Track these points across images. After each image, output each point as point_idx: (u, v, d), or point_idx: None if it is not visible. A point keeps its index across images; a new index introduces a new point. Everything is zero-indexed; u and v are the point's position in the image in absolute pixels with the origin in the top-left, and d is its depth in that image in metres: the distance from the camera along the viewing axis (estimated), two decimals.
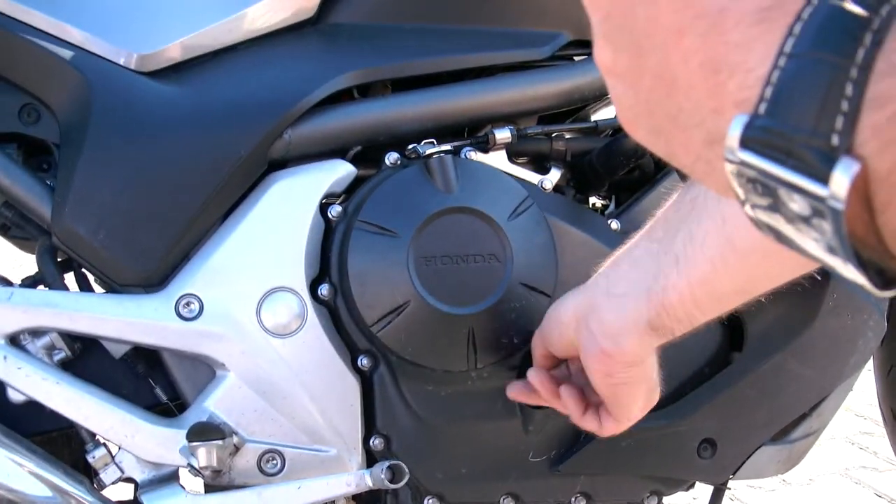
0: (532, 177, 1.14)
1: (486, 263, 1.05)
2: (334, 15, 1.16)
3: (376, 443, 1.08)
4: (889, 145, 0.35)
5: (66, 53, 1.08)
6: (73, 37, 1.09)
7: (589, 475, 1.13)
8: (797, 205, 0.38)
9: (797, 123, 0.37)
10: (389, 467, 1.04)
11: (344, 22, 1.16)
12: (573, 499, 1.13)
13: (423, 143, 1.11)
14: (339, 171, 1.10)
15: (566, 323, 0.94)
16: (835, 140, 0.36)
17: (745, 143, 0.38)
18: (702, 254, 0.79)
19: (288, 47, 1.13)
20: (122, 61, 1.08)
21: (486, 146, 1.12)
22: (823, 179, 0.36)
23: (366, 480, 1.04)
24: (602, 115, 1.25)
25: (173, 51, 1.10)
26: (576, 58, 1.20)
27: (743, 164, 0.39)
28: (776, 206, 0.39)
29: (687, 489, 1.19)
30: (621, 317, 0.87)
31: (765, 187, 0.39)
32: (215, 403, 1.05)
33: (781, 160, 0.38)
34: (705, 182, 0.45)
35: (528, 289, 1.06)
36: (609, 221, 1.15)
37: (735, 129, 0.39)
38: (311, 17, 1.15)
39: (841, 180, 0.36)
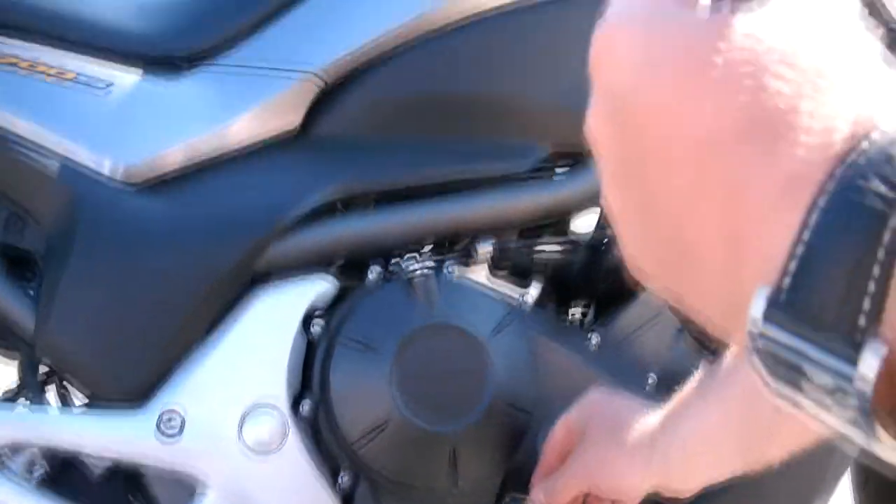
0: (513, 290, 1.15)
1: (468, 381, 1.06)
2: (318, 127, 1.17)
3: None
4: None
5: (52, 164, 1.08)
6: (59, 146, 1.09)
7: None
8: (820, 379, 0.37)
9: (823, 301, 0.36)
10: None
11: (327, 134, 1.17)
12: None
13: (406, 257, 1.12)
14: (322, 286, 1.10)
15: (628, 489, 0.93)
16: (862, 321, 0.35)
17: (769, 318, 0.37)
18: None
19: (273, 160, 1.14)
20: (108, 172, 1.09)
21: (468, 260, 1.13)
22: (851, 360, 0.35)
23: None
24: (583, 221, 1.27)
25: (159, 162, 1.11)
26: (558, 169, 1.21)
27: (765, 337, 0.37)
28: (797, 379, 0.38)
29: None
30: None
31: (787, 361, 0.37)
32: None
33: (807, 337, 0.37)
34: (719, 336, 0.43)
35: (510, 406, 1.06)
36: (589, 336, 1.16)
37: (758, 303, 0.38)
38: (295, 129, 1.16)
39: (870, 362, 0.35)
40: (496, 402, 1.06)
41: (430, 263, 1.12)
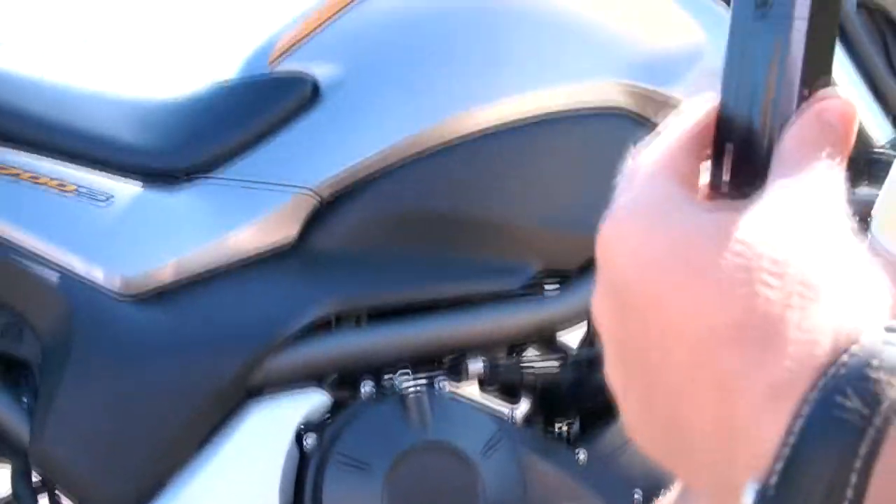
0: (503, 406, 1.18)
1: (460, 500, 1.07)
2: (313, 242, 1.20)
3: None
4: None
5: (51, 274, 1.10)
6: (58, 256, 1.12)
7: None
8: None
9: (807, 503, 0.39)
10: None
11: (322, 249, 1.20)
12: None
13: (398, 373, 1.14)
14: (315, 401, 1.12)
15: None
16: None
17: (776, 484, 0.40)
18: None
19: (268, 274, 1.17)
20: (105, 283, 1.11)
21: (459, 377, 1.16)
22: None
23: None
24: (572, 335, 1.30)
25: (156, 274, 1.13)
26: (547, 286, 1.24)
27: None
28: None
29: None
30: None
31: None
32: None
33: None
34: None
35: None
36: (577, 452, 1.18)
37: (749, 494, 0.41)
38: (291, 243, 1.19)
39: None
40: None
41: (422, 380, 1.14)
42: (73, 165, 1.16)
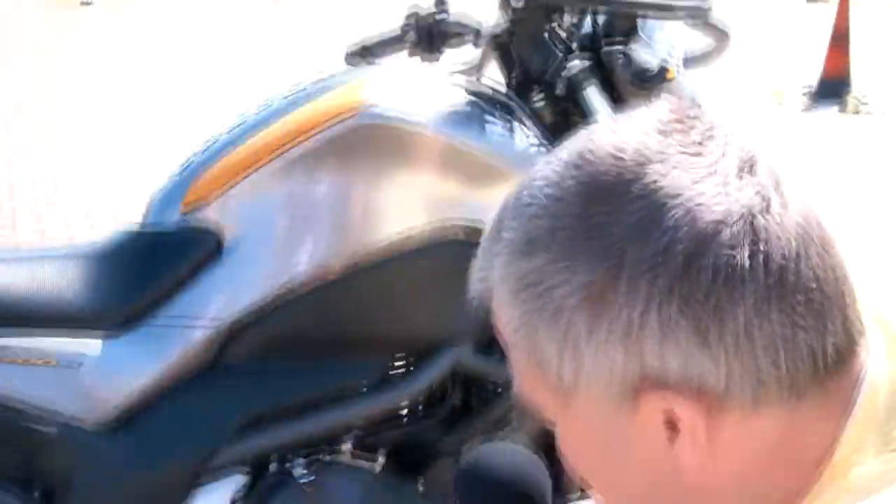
0: (368, 463, 1.72)
1: None
2: (226, 363, 1.66)
3: None
4: None
5: (46, 423, 1.57)
6: (49, 408, 1.57)
7: None
8: None
9: None
10: None
11: (233, 368, 1.67)
12: None
13: (296, 456, 1.66)
14: (238, 482, 1.64)
15: None
16: None
17: None
18: None
19: (198, 393, 1.64)
20: (82, 423, 1.58)
21: (337, 452, 1.69)
22: None
23: None
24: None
25: (116, 409, 1.60)
26: (392, 373, 1.75)
27: None
28: None
29: None
30: None
31: None
32: None
33: None
34: None
35: None
36: (416, 485, 1.75)
37: None
38: (209, 365, 1.66)
39: None
40: None
41: (312, 458, 1.67)
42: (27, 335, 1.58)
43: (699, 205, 0.70)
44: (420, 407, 1.78)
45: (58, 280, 1.63)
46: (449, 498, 1.76)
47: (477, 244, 1.71)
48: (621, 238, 0.70)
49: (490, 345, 1.77)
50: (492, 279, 0.77)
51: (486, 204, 1.71)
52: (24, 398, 1.56)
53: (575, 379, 0.74)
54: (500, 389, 1.78)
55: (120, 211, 4.62)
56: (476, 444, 1.75)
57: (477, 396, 1.80)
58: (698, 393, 0.72)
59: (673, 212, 0.70)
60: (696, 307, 0.69)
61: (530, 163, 1.75)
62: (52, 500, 1.61)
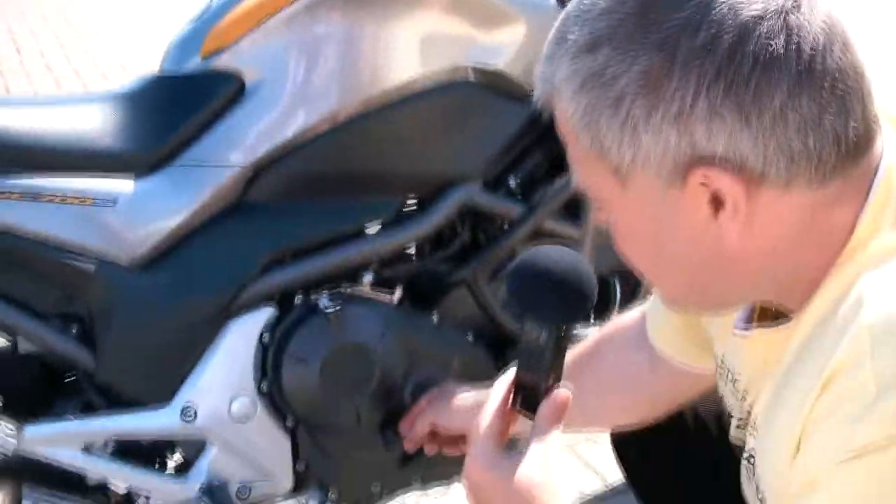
0: (386, 297, 1.83)
1: (365, 373, 1.76)
2: (251, 203, 1.75)
3: (300, 469, 1.82)
4: None
5: (85, 261, 1.64)
6: (87, 248, 1.65)
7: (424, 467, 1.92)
8: None
9: None
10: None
11: (257, 208, 1.75)
12: (415, 479, 1.93)
13: (320, 290, 1.76)
14: (267, 315, 1.74)
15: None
16: None
17: None
18: None
19: (226, 232, 1.73)
20: (119, 261, 1.66)
21: (359, 287, 1.80)
22: None
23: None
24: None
25: (151, 248, 1.68)
26: (405, 211, 1.84)
27: None
28: None
29: None
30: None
31: None
32: (207, 464, 1.75)
33: None
34: None
35: (390, 380, 1.78)
36: (431, 317, 1.86)
37: None
38: (234, 204, 1.74)
39: None
40: (378, 382, 1.77)
41: (335, 293, 1.77)
42: (85, 178, 1.65)
43: (740, 2, 0.79)
44: (431, 243, 1.88)
45: (86, 125, 1.69)
46: (497, 294, 1.87)
47: (486, 86, 1.81)
48: (675, 31, 0.79)
49: (497, 183, 1.87)
50: (556, 80, 0.86)
51: (495, 46, 1.79)
52: (62, 236, 1.63)
53: (633, 161, 0.84)
54: (506, 225, 1.88)
55: (128, 61, 4.56)
56: (485, 278, 1.87)
57: (485, 233, 1.90)
58: (740, 170, 0.82)
59: (719, 8, 0.79)
60: (739, 91, 0.79)
61: (540, 5, 1.85)
62: (89, 335, 1.70)
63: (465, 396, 1.68)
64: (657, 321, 1.43)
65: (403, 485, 1.95)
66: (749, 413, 1.13)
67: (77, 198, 1.64)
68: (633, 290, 2.06)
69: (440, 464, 1.92)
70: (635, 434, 1.55)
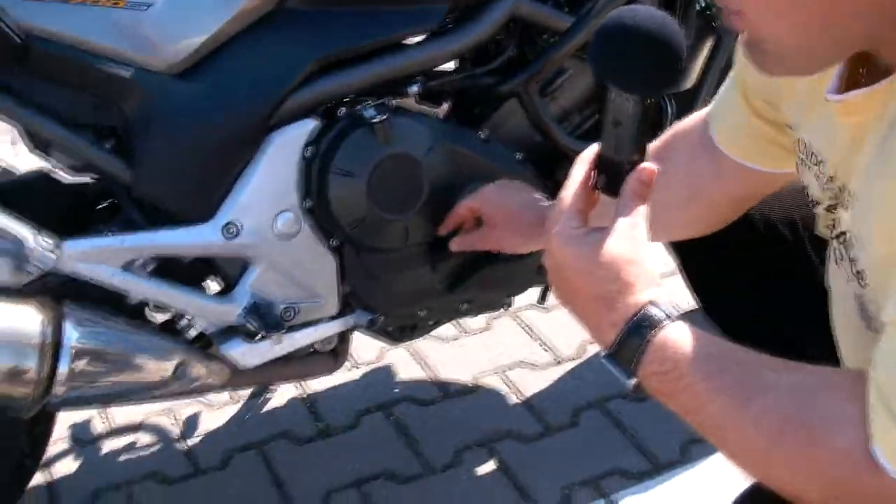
0: (433, 111, 1.74)
1: (414, 188, 1.69)
2: (291, 9, 1.65)
3: (346, 290, 1.76)
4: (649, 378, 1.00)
5: (120, 66, 1.54)
6: (121, 53, 1.55)
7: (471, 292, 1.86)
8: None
9: (625, 358, 1.00)
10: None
11: (300, 13, 1.65)
12: (462, 305, 1.87)
13: (364, 103, 1.67)
14: (311, 126, 1.66)
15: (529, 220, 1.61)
16: (633, 367, 1.00)
17: (609, 356, 1.02)
18: None
19: (267, 38, 1.63)
20: (156, 67, 1.56)
21: (403, 98, 1.71)
22: (630, 377, 1.00)
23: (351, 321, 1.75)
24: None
25: (190, 54, 1.58)
26: (448, 22, 1.74)
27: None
28: None
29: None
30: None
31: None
32: (251, 284, 1.69)
33: (625, 371, 1.02)
34: None
35: (438, 197, 1.71)
36: (479, 133, 1.78)
37: (607, 348, 1.01)
38: (276, 10, 1.64)
39: (632, 382, 1.00)
40: (428, 197, 1.70)
41: (380, 104, 1.68)
42: None
43: None
44: (480, 56, 1.79)
45: None
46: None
47: None
48: None
49: None
50: None
51: None
52: (95, 39, 1.54)
53: None
54: (554, 38, 1.79)
55: None
56: (535, 91, 1.78)
57: (532, 47, 1.80)
58: None
59: None
60: None
61: None
62: (126, 146, 1.62)
63: (513, 186, 1.68)
64: (725, 122, 1.36)
65: (450, 311, 1.90)
66: (841, 190, 1.07)
67: (118, 3, 1.53)
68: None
69: (488, 289, 1.87)
70: (702, 242, 1.49)
